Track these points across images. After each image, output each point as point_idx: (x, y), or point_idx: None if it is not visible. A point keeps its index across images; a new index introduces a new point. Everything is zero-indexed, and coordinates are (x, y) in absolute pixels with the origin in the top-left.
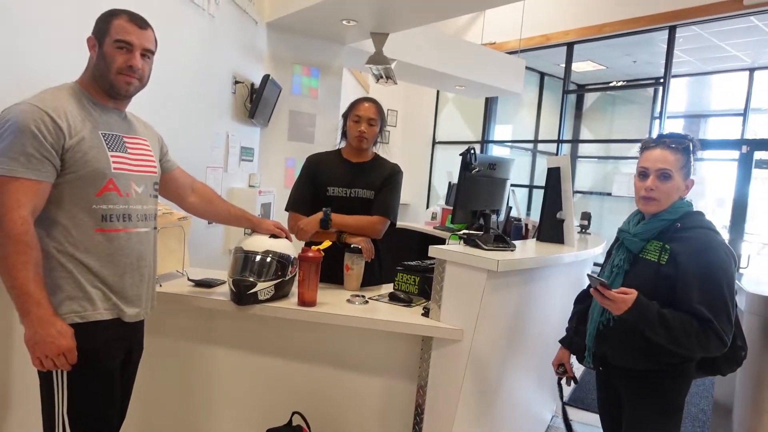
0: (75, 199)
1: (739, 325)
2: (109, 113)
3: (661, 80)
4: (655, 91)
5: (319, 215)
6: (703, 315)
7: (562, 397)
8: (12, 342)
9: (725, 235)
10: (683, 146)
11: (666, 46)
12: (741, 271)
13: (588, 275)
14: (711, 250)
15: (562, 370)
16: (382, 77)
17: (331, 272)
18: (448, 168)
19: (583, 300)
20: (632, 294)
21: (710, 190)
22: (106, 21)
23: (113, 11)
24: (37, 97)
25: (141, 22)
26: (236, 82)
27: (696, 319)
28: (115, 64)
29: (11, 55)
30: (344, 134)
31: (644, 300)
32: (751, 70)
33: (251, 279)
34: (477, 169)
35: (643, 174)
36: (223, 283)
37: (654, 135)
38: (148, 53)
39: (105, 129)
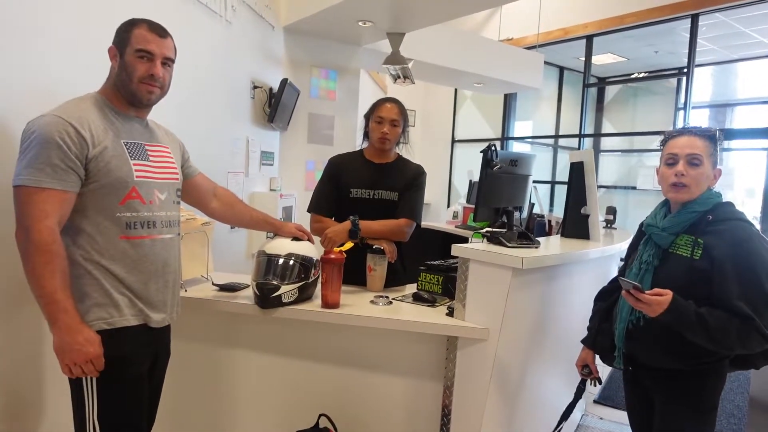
0: (99, 208)
1: None
2: (131, 122)
3: (685, 70)
4: (679, 82)
5: (347, 225)
6: (744, 312)
7: (579, 396)
8: (43, 349)
9: (757, 226)
10: (710, 134)
11: (689, 35)
12: None
13: (619, 279)
14: (748, 242)
15: (587, 371)
16: (399, 77)
17: (355, 274)
18: (469, 166)
19: (605, 297)
20: (667, 295)
21: (739, 181)
22: (126, 31)
23: (133, 21)
24: (61, 108)
25: (161, 31)
26: (255, 87)
27: (736, 317)
28: (137, 73)
29: (35, 67)
30: (366, 135)
31: (680, 300)
32: None
33: (275, 282)
34: (498, 166)
35: (671, 161)
36: (247, 287)
37: (678, 126)
38: (168, 61)
39: (127, 138)
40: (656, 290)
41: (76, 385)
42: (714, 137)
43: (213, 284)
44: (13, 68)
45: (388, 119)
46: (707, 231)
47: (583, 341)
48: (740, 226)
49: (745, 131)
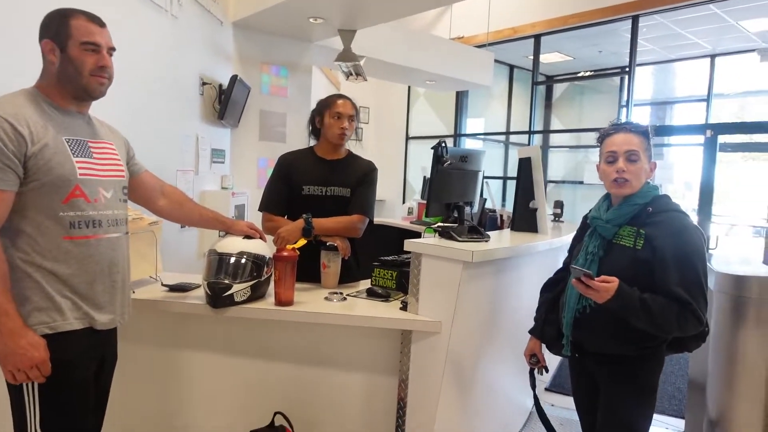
0: (40, 207)
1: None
2: (72, 117)
3: (627, 69)
4: (622, 80)
5: (300, 223)
6: (682, 297)
7: (534, 387)
8: None
9: (694, 218)
10: (642, 130)
11: (630, 36)
12: (710, 252)
13: (571, 267)
14: (685, 232)
15: (534, 360)
16: (351, 74)
17: (308, 271)
18: (423, 163)
19: (551, 288)
20: (614, 282)
21: (678, 175)
22: (62, 23)
23: (64, 11)
24: None
25: (99, 21)
26: (204, 84)
27: (675, 302)
28: (87, 66)
29: None
30: (313, 132)
31: (626, 287)
32: (713, 57)
33: (226, 281)
34: (449, 162)
35: (611, 158)
36: (198, 287)
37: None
38: (111, 51)
39: (68, 134)
40: (603, 277)
41: (15, 391)
42: (646, 132)
43: (162, 285)
44: None
45: (346, 114)
46: (647, 222)
47: (530, 331)
48: (678, 218)
49: (682, 128)
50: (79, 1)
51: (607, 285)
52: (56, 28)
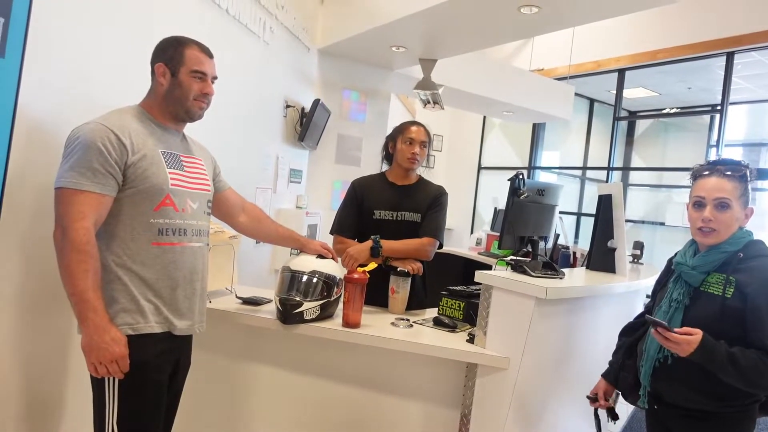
0: (134, 213)
1: None
2: (169, 134)
3: (718, 107)
4: (712, 119)
5: (369, 244)
6: None
7: (599, 428)
8: (70, 352)
9: None
10: (740, 174)
11: (723, 73)
12: None
13: (646, 317)
14: None
15: (594, 397)
16: (429, 102)
17: (377, 295)
18: (494, 194)
19: (630, 333)
20: (697, 334)
21: None
22: (177, 50)
23: (181, 40)
24: (104, 117)
25: (209, 52)
26: (287, 106)
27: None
28: (192, 92)
29: (80, 80)
30: (387, 157)
31: (710, 340)
32: None
33: (297, 298)
34: (525, 195)
35: (698, 204)
36: (270, 301)
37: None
38: (214, 80)
39: (164, 148)
40: (686, 329)
41: (98, 389)
42: (744, 176)
43: (237, 297)
44: (61, 76)
45: (418, 140)
46: (738, 269)
47: (603, 375)
48: None
49: None
50: (188, 27)
51: (689, 338)
52: (171, 54)
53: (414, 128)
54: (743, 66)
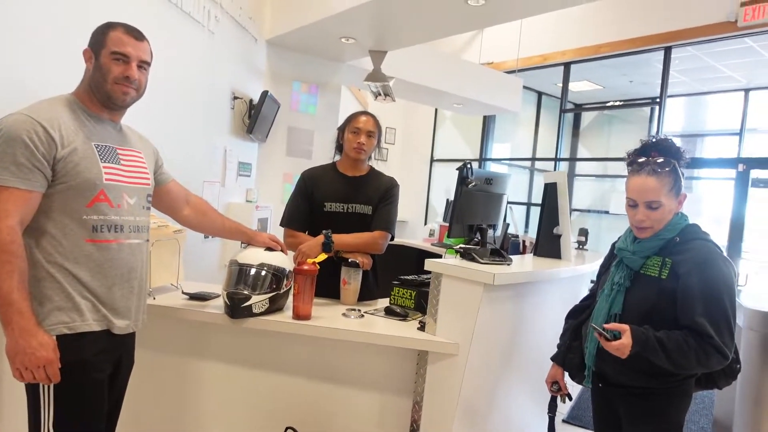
0: (65, 209)
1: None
2: (104, 124)
3: (658, 100)
4: (652, 111)
5: (321, 239)
6: (704, 330)
7: (553, 414)
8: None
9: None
10: (668, 167)
11: (662, 67)
12: (739, 288)
13: (591, 325)
14: (711, 261)
15: (556, 387)
16: (380, 94)
17: (329, 286)
18: (446, 185)
19: (576, 315)
20: (625, 332)
21: (707, 209)
22: (102, 33)
23: (110, 24)
24: (31, 107)
25: (137, 34)
26: (235, 98)
27: (693, 338)
28: (112, 74)
29: (7, 66)
30: (339, 148)
31: (638, 332)
32: (746, 91)
33: (245, 292)
34: (473, 184)
35: (632, 205)
36: (218, 296)
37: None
38: (144, 65)
39: (98, 140)
40: (614, 325)
41: (32, 391)
42: (674, 169)
43: (183, 293)
44: None
45: (364, 130)
46: (674, 251)
47: (552, 358)
48: (705, 246)
49: (713, 161)
50: (123, 14)
51: (623, 342)
52: (97, 38)
53: (362, 118)
54: (680, 60)
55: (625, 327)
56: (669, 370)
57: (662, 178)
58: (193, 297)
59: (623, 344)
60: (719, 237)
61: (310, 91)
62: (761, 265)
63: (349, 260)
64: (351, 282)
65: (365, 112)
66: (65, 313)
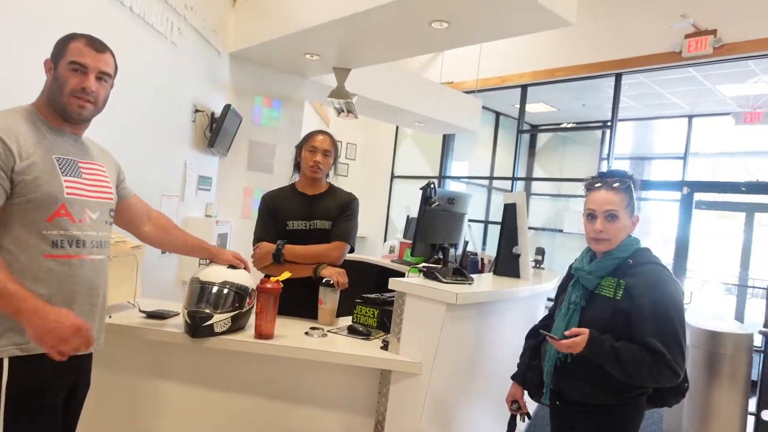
0: (24, 224)
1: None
2: (65, 137)
3: (609, 123)
4: (603, 134)
5: (272, 248)
6: (656, 348)
7: (513, 430)
8: None
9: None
10: (625, 185)
11: (613, 92)
12: (685, 307)
13: (540, 331)
14: (662, 284)
15: (516, 406)
16: (343, 111)
17: (305, 307)
18: (407, 202)
19: (535, 335)
20: (584, 334)
21: (655, 229)
22: (63, 44)
23: (72, 35)
24: None
25: (98, 46)
26: (196, 111)
27: (648, 352)
28: (68, 86)
29: None
30: (297, 166)
31: (597, 336)
32: (690, 117)
33: (207, 311)
34: (437, 203)
35: (591, 216)
36: (177, 314)
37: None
38: (104, 76)
39: (59, 153)
40: (573, 330)
41: None
42: (629, 188)
43: (140, 311)
44: None
45: (320, 149)
46: (628, 273)
47: (512, 377)
48: (656, 270)
49: (660, 183)
50: (85, 23)
51: (576, 340)
52: (57, 48)
53: (319, 137)
54: (629, 86)
55: (585, 330)
56: (622, 379)
57: (620, 194)
58: (151, 315)
59: (575, 342)
60: (666, 256)
61: (273, 106)
62: (703, 282)
63: (324, 280)
64: (327, 302)
65: (321, 131)
66: (19, 335)
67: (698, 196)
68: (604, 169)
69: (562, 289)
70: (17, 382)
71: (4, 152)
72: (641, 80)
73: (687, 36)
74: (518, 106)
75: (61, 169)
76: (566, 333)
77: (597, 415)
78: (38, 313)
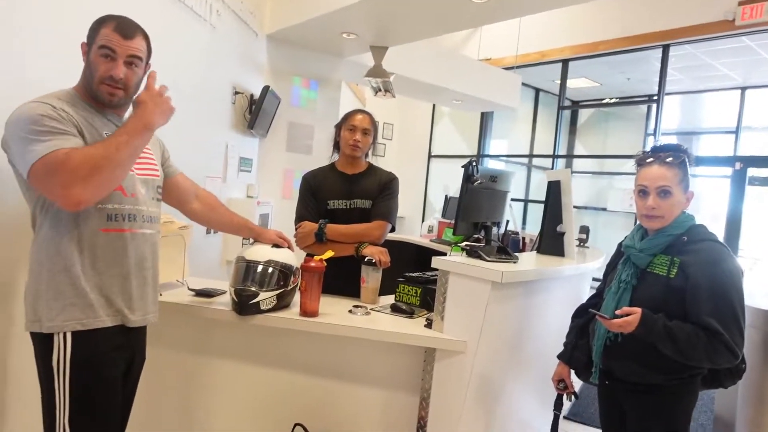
0: None
1: None
2: (108, 117)
3: (655, 97)
4: (649, 108)
5: (314, 227)
6: (713, 327)
7: (559, 411)
8: (9, 350)
9: None
10: (679, 160)
11: (660, 65)
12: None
13: (590, 310)
14: (721, 262)
15: (562, 385)
16: (380, 90)
17: (349, 285)
18: (444, 181)
19: (582, 314)
20: (636, 313)
21: (705, 206)
22: (95, 28)
23: (104, 18)
24: (37, 99)
25: (127, 31)
26: (236, 93)
27: (704, 332)
28: (98, 72)
29: (10, 67)
30: (336, 146)
31: (650, 315)
32: (743, 89)
33: (253, 289)
34: (479, 181)
35: (643, 192)
36: (224, 293)
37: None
38: (135, 60)
39: (108, 131)
40: (625, 309)
41: (47, 389)
42: (683, 163)
43: (189, 289)
44: None
45: (360, 128)
46: (683, 251)
47: (559, 356)
48: (714, 247)
49: (711, 159)
50: (125, 7)
51: (628, 318)
52: (90, 32)
53: (358, 116)
54: (677, 58)
55: (637, 309)
56: (676, 359)
57: (673, 169)
58: (200, 293)
59: (627, 321)
60: (716, 234)
61: (310, 87)
62: (755, 261)
63: (366, 259)
64: (369, 281)
65: (361, 110)
66: (79, 309)
67: (752, 172)
68: (650, 145)
69: (611, 267)
70: (79, 355)
71: (67, 117)
72: (690, 51)
73: (740, 3)
74: (559, 81)
75: None
76: (618, 312)
77: (647, 395)
78: (146, 108)
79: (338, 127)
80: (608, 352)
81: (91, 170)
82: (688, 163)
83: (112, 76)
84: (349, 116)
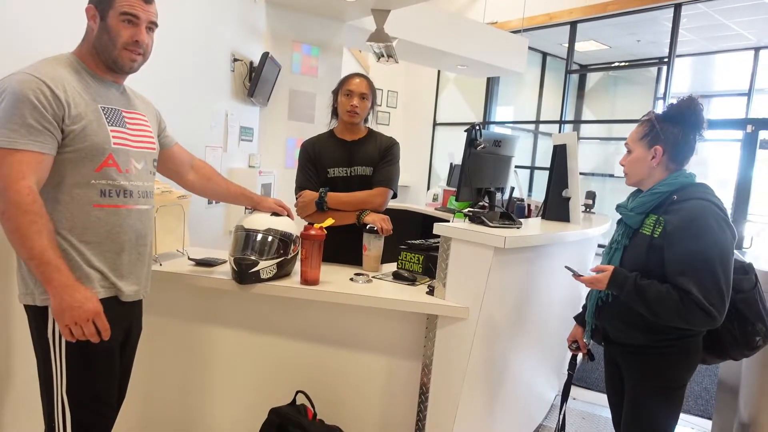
0: (74, 176)
1: (762, 308)
2: (108, 86)
3: (666, 60)
4: (659, 71)
5: (315, 196)
6: (683, 286)
7: (573, 371)
8: (12, 323)
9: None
10: (646, 117)
11: (671, 25)
12: (744, 250)
13: (564, 266)
14: (701, 219)
15: (575, 346)
16: (383, 56)
17: (351, 253)
18: (450, 149)
19: None
20: (607, 270)
21: (713, 171)
22: None
23: None
24: (34, 67)
25: None
26: (235, 60)
27: (676, 290)
28: (121, 38)
29: (4, 26)
30: (334, 112)
31: (621, 272)
32: (757, 49)
33: (253, 257)
34: (482, 146)
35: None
36: (224, 262)
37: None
38: (153, 26)
39: (104, 103)
40: (598, 266)
41: (43, 361)
42: (650, 120)
43: (189, 259)
44: None
45: (357, 92)
46: (669, 210)
47: (575, 318)
48: (699, 204)
49: (720, 122)
50: None
51: (599, 276)
52: None
53: (355, 80)
54: (689, 18)
55: (609, 267)
56: (651, 319)
57: (639, 127)
58: (200, 263)
59: (596, 278)
60: (724, 199)
61: (311, 53)
62: (762, 227)
63: (368, 227)
64: (371, 248)
65: (358, 74)
66: None
67: (764, 135)
68: (659, 109)
69: None
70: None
71: (55, 102)
72: (703, 10)
73: None
74: (567, 45)
75: (107, 118)
76: (591, 269)
77: (638, 356)
78: (67, 288)
79: (335, 92)
80: (600, 312)
81: (3, 214)
82: (655, 122)
83: (138, 41)
84: (345, 81)
